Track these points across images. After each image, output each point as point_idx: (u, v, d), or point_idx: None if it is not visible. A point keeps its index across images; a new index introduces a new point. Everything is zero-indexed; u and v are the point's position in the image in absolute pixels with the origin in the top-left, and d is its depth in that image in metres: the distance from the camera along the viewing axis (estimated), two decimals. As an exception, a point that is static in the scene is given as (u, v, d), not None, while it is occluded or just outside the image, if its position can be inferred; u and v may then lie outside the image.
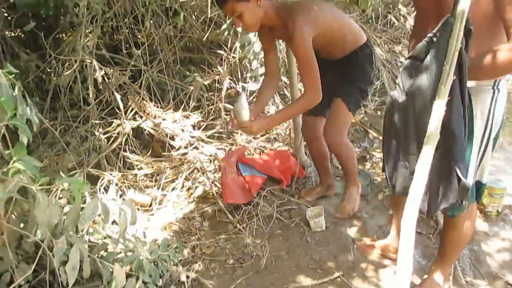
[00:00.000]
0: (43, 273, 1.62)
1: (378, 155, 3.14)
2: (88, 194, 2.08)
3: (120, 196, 2.53)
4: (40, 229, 1.37)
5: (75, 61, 2.75)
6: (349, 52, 2.29)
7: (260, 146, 3.05)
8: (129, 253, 1.84)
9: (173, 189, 2.63)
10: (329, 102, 2.39)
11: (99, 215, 1.51)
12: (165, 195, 2.60)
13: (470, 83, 1.50)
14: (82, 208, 1.44)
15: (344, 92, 2.34)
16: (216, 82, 3.22)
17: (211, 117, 3.08)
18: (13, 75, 1.31)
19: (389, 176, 1.64)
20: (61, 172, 2.53)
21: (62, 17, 3.20)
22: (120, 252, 1.83)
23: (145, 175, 2.70)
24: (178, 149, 2.85)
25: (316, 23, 2.05)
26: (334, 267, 2.16)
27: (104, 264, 1.58)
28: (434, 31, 1.35)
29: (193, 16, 3.44)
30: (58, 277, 1.37)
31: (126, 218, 1.47)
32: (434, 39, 1.34)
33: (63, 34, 3.38)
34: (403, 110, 1.48)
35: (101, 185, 2.52)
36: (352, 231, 2.42)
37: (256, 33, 2.93)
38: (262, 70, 3.06)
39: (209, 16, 3.31)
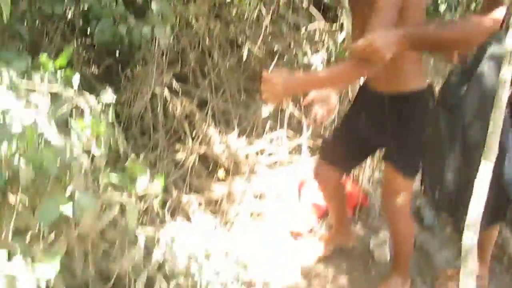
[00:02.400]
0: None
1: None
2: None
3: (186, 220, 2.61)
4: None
5: (146, 92, 2.92)
6: (410, 90, 1.76)
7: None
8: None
9: (236, 214, 2.68)
10: (355, 160, 2.13)
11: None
12: (230, 220, 2.66)
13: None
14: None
15: (396, 158, 1.86)
16: (280, 111, 3.27)
17: (275, 145, 3.13)
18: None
19: (431, 191, 1.57)
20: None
21: (135, 52, 3.43)
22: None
23: (210, 199, 2.78)
24: (242, 175, 2.91)
25: None
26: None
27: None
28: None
29: (258, 48, 3.56)
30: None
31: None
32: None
33: (136, 67, 3.62)
34: (446, 123, 1.43)
35: (168, 209, 2.61)
36: (416, 266, 2.34)
37: None
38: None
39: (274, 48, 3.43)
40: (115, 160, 2.57)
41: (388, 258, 2.32)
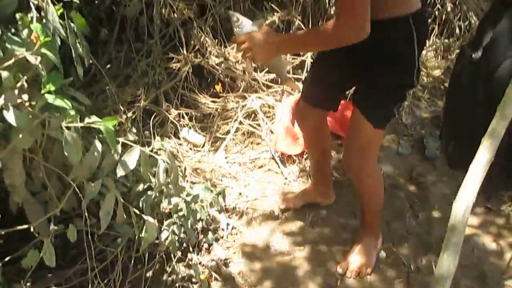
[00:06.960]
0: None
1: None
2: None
3: (174, 134, 2.51)
4: (75, 170, 1.29)
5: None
6: (391, 16, 1.39)
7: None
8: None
9: (227, 132, 2.56)
10: (335, 96, 1.80)
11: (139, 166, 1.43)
12: (220, 137, 2.54)
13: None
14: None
15: (363, 101, 1.58)
16: (285, 23, 3.00)
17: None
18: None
19: (445, 144, 1.42)
20: (120, 105, 2.53)
21: None
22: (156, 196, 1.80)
23: (202, 115, 2.64)
24: (238, 91, 2.74)
25: None
26: (386, 234, 2.01)
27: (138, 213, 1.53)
28: None
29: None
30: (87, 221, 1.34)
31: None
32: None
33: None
34: (474, 68, 1.24)
35: (156, 121, 2.50)
36: (411, 198, 2.23)
37: None
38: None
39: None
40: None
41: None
